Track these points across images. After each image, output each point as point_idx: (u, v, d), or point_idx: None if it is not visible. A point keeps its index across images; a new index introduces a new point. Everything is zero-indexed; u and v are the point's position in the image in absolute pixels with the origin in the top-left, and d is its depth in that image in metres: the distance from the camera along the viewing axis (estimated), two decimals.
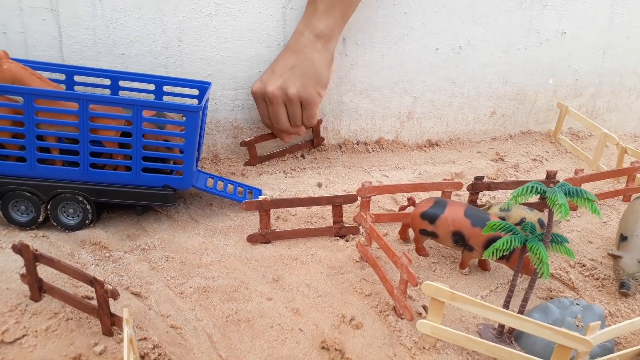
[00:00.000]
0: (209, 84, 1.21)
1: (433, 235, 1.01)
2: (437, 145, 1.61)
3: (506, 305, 0.84)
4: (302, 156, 1.48)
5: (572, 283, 1.01)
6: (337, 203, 1.10)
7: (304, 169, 1.42)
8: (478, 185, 1.19)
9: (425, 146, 1.60)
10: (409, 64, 1.50)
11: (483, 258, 0.84)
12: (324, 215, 1.19)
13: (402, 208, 1.12)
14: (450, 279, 1.01)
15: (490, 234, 0.94)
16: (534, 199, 1.24)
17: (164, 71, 1.34)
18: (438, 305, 0.81)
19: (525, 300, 0.82)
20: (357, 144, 1.55)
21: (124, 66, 1.32)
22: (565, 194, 0.76)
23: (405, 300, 0.87)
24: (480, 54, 1.55)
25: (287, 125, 1.32)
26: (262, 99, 1.30)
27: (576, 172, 1.25)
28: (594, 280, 1.03)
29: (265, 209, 1.06)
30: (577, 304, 0.88)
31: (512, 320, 0.76)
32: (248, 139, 1.39)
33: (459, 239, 0.98)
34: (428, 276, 1.01)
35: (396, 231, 1.14)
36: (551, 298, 0.96)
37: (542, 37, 1.59)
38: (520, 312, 0.83)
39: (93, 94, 1.04)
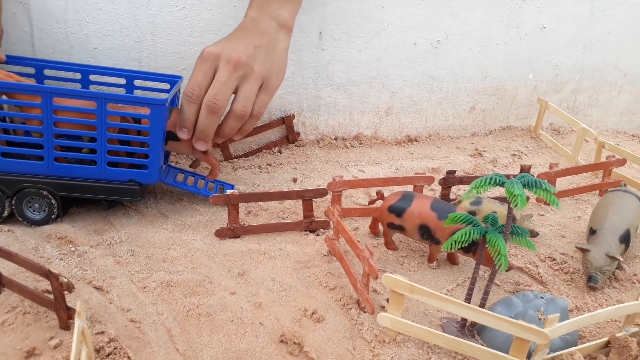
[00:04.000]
0: (180, 77, 1.20)
1: (400, 229, 1.01)
2: (416, 140, 1.60)
3: (468, 298, 0.83)
4: (280, 152, 1.47)
5: (541, 277, 1.00)
6: (307, 197, 1.09)
7: (280, 164, 1.41)
8: (450, 179, 1.18)
9: (404, 142, 1.59)
10: (386, 59, 1.50)
11: (442, 250, 0.83)
12: (296, 210, 1.18)
13: (372, 202, 1.11)
14: (418, 273, 1.00)
15: (456, 227, 0.94)
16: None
17: (137, 65, 1.33)
18: (398, 298, 0.80)
19: (486, 292, 0.81)
20: (335, 140, 1.54)
21: (96, 60, 1.31)
22: (523, 185, 0.75)
23: (367, 293, 0.86)
24: (459, 48, 1.54)
25: (221, 103, 1.06)
26: (213, 63, 1.06)
27: (551, 167, 1.24)
28: (563, 274, 1.02)
29: (233, 203, 1.05)
30: (541, 297, 0.87)
31: (469, 312, 0.76)
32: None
33: (426, 232, 0.97)
34: (396, 270, 1.00)
35: (367, 225, 1.13)
36: (518, 292, 0.95)
37: (521, 32, 1.58)
38: (482, 305, 0.82)
39: (56, 87, 1.03)
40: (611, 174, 1.30)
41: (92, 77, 1.21)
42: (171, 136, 1.10)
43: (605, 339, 0.83)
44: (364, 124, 1.56)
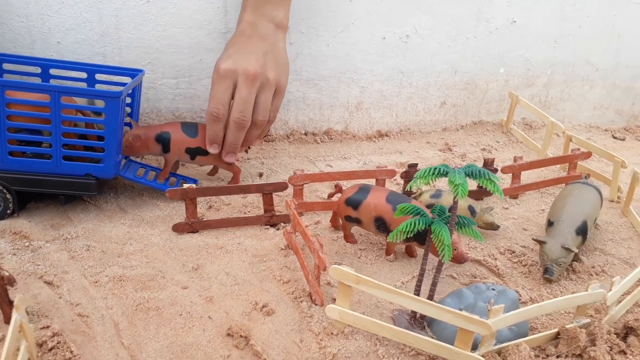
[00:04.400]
0: (141, 71, 1.19)
1: (357, 222, 1.00)
2: (387, 135, 1.60)
3: (417, 290, 0.82)
4: (248, 147, 1.46)
5: (498, 269, 1.00)
6: (266, 191, 1.08)
7: (248, 159, 1.40)
8: (412, 173, 1.17)
9: (375, 137, 1.59)
10: (355, 53, 1.49)
11: (388, 241, 0.82)
12: (258, 205, 1.17)
13: (331, 195, 1.10)
14: (375, 266, 0.99)
15: (407, 218, 0.94)
16: (474, 186, 1.23)
17: (102, 60, 1.32)
18: (345, 290, 0.79)
19: (433, 284, 0.81)
20: (306, 135, 1.53)
21: (60, 55, 1.29)
22: (467, 175, 0.75)
23: (318, 286, 0.86)
24: (428, 43, 1.54)
25: (247, 118, 1.13)
26: (231, 79, 1.11)
27: (515, 160, 1.24)
28: (521, 267, 1.02)
29: (190, 197, 1.04)
30: (493, 289, 0.86)
31: (413, 303, 0.75)
32: None
33: (381, 225, 0.97)
34: (352, 263, 1.00)
35: (329, 219, 1.12)
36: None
37: (491, 26, 1.58)
38: (430, 296, 0.82)
39: (7, 79, 1.01)
40: (576, 167, 1.30)
41: (52, 72, 1.20)
42: (200, 152, 1.17)
43: (555, 330, 0.82)
44: (334, 119, 1.55)
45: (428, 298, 0.81)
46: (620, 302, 0.89)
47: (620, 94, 1.81)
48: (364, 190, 1.00)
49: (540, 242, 0.98)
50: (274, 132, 1.51)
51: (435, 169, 0.75)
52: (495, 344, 0.78)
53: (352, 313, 0.80)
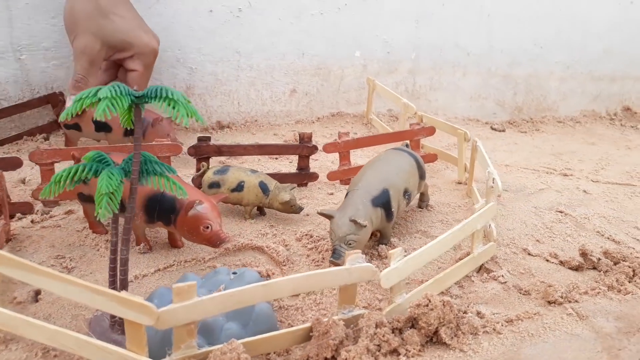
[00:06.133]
0: None
1: (92, 201, 0.75)
2: (229, 127, 1.37)
3: (112, 275, 0.57)
4: (46, 138, 1.21)
5: (279, 256, 0.76)
6: None
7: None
8: (203, 148, 0.94)
9: (215, 128, 1.36)
10: (177, 28, 1.28)
11: (40, 198, 0.58)
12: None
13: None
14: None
15: (150, 192, 0.71)
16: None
17: None
18: None
19: (123, 262, 0.56)
20: None
21: None
22: (146, 96, 0.52)
23: None
24: (266, 19, 1.34)
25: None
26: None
27: (340, 136, 1.03)
28: (315, 254, 0.79)
29: None
30: (234, 273, 0.63)
31: (28, 275, 0.50)
32: None
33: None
34: (84, 255, 0.75)
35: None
36: None
37: (340, 2, 1.40)
38: (122, 280, 0.57)
39: None
40: (419, 145, 1.10)
41: None
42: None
43: (309, 324, 0.59)
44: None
45: (121, 284, 0.56)
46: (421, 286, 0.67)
47: (498, 83, 1.65)
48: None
49: (328, 217, 0.75)
50: None
51: (95, 89, 0.52)
52: (205, 346, 0.53)
53: None
